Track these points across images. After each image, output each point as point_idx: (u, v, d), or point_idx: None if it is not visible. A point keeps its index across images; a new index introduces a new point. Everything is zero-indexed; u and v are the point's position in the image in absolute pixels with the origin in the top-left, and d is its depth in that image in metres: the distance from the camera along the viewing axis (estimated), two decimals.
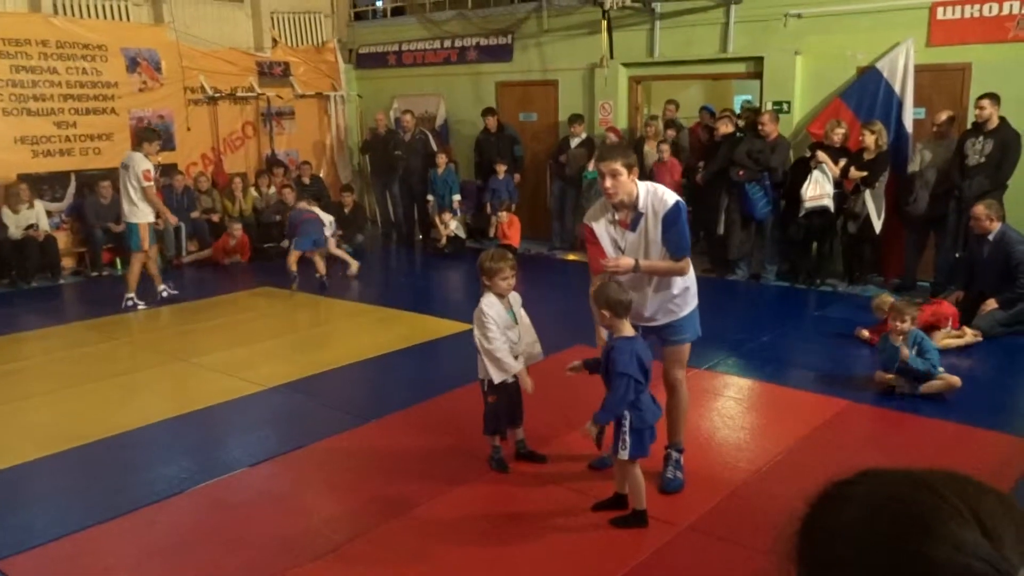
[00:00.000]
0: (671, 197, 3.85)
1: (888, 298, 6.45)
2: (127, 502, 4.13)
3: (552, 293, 8.75)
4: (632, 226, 3.88)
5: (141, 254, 8.24)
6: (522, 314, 4.40)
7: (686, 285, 4.06)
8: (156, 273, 8.54)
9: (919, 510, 0.74)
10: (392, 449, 4.76)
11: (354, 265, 9.58)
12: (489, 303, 4.21)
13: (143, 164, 8.00)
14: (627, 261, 3.79)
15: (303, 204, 9.75)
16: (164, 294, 8.53)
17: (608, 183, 3.78)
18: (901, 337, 5.37)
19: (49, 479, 4.53)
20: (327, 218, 9.53)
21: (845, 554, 0.75)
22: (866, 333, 6.60)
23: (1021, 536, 0.71)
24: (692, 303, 4.12)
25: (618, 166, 3.74)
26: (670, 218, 3.80)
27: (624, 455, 3.70)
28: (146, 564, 3.63)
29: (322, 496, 4.29)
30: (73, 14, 10.43)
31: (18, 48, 9.73)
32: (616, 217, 3.91)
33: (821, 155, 8.13)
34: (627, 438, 3.67)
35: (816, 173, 8.13)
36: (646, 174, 9.56)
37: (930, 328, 6.26)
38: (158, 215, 8.33)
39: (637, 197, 3.83)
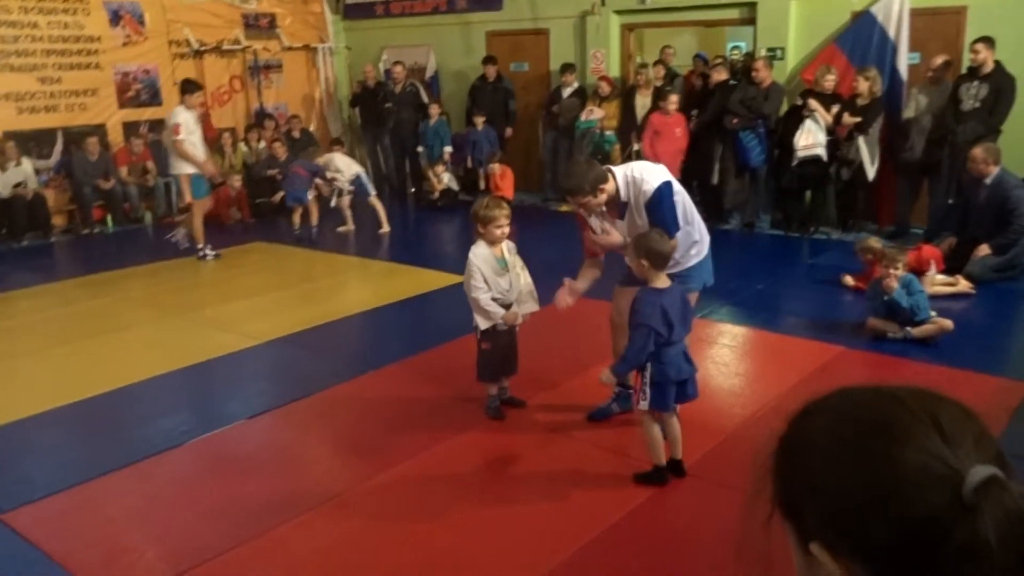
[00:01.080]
0: (653, 182, 3.87)
1: (874, 243, 6.46)
2: (126, 455, 4.15)
3: (545, 244, 8.72)
4: (620, 214, 4.00)
5: (197, 204, 8.29)
6: (518, 263, 4.39)
7: (693, 240, 4.08)
8: (197, 227, 8.43)
9: (883, 416, 0.79)
10: (389, 399, 4.79)
11: (385, 225, 9.46)
12: (476, 252, 4.22)
13: (175, 117, 8.03)
14: (616, 237, 3.96)
15: (324, 155, 9.76)
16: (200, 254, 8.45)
17: (582, 211, 3.99)
18: (896, 284, 5.40)
19: (47, 434, 4.54)
20: (351, 170, 9.35)
21: (814, 461, 0.80)
22: (851, 280, 6.64)
23: (978, 443, 0.75)
24: (699, 255, 4.15)
25: (583, 199, 3.87)
26: (652, 204, 3.86)
27: (644, 405, 3.69)
28: (147, 515, 3.66)
29: (321, 447, 4.33)
30: None
31: None
32: (604, 211, 4.02)
33: (813, 103, 8.07)
34: (647, 390, 3.65)
35: (808, 122, 8.08)
36: (637, 127, 9.48)
37: (916, 274, 6.28)
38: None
39: (617, 193, 3.92)
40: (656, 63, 10.03)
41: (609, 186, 3.89)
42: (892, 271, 5.41)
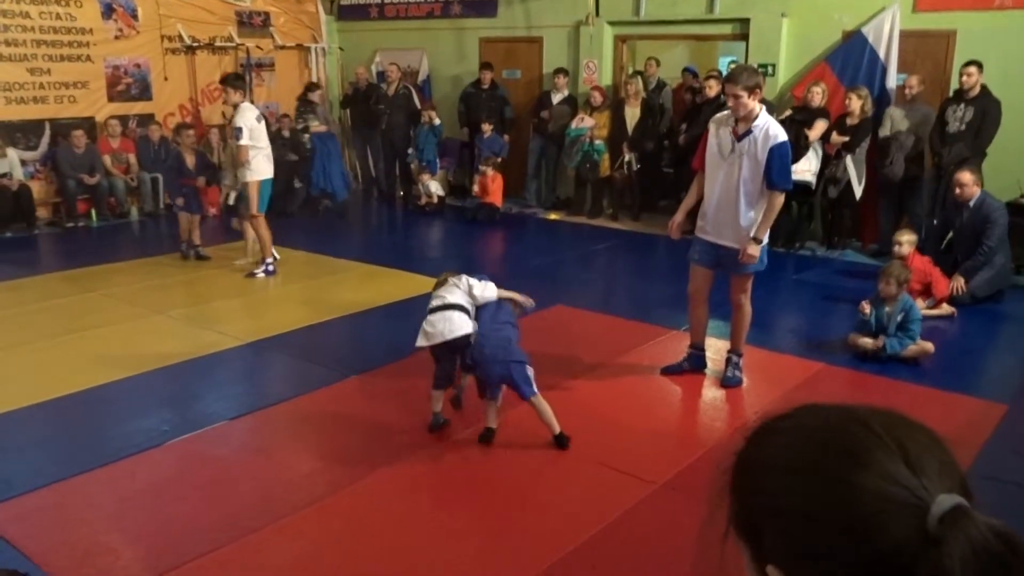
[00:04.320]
0: (783, 135, 4.53)
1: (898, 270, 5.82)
2: (105, 454, 4.13)
3: (532, 253, 8.76)
4: (739, 138, 4.56)
5: (262, 217, 7.48)
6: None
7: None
8: (265, 238, 7.56)
9: (846, 439, 0.76)
10: (373, 404, 4.78)
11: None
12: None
13: (242, 117, 7.13)
14: (754, 250, 4.71)
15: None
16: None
17: (731, 102, 4.53)
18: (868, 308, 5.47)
19: (25, 431, 4.50)
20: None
21: (774, 483, 0.78)
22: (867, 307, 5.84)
23: (943, 470, 0.74)
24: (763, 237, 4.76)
25: (739, 90, 4.44)
26: (779, 150, 4.50)
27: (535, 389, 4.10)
28: (126, 515, 3.64)
29: (302, 450, 4.31)
30: None
31: None
32: (734, 125, 4.59)
33: (813, 135, 8.07)
34: (531, 378, 4.14)
35: (809, 151, 8.12)
36: (628, 138, 9.54)
37: (923, 292, 6.36)
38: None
39: (756, 117, 4.53)
40: (632, 76, 10.01)
41: (757, 101, 4.50)
42: (884, 287, 5.46)
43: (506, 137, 10.85)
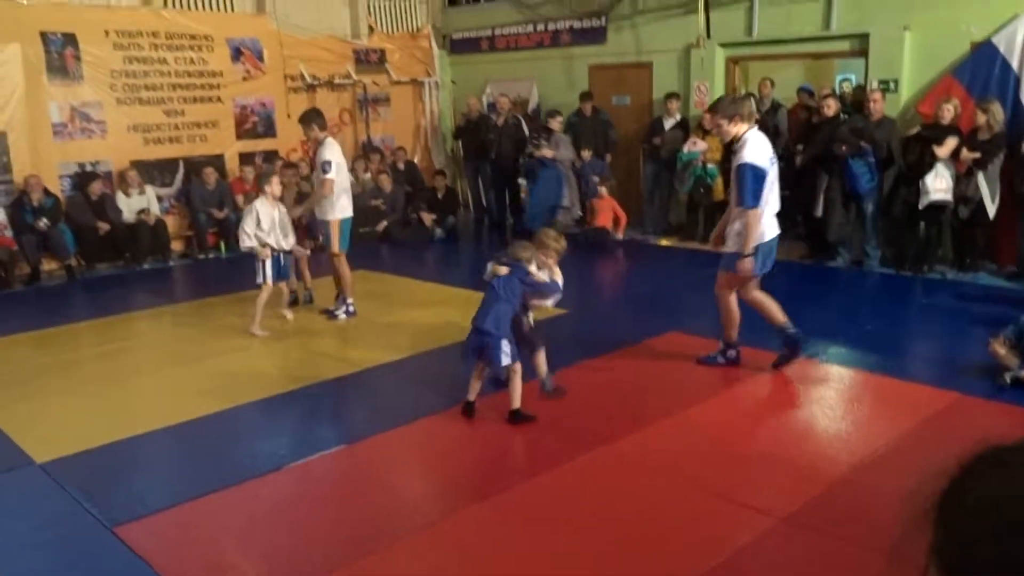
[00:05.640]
0: (749, 156, 4.98)
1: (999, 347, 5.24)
2: (231, 476, 4.30)
3: (642, 279, 8.66)
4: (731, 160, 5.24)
5: (343, 256, 7.22)
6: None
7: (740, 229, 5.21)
8: (347, 277, 7.23)
9: None
10: (486, 430, 4.80)
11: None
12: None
13: (323, 153, 6.93)
14: (749, 264, 5.14)
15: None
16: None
17: (715, 130, 5.25)
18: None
19: (159, 452, 4.75)
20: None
21: (999, 519, 0.68)
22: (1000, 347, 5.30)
23: None
24: (733, 244, 5.26)
25: (719, 119, 5.09)
26: (739, 171, 5.01)
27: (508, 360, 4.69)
28: (249, 535, 3.77)
29: (416, 475, 4.37)
30: (182, 7, 10.85)
31: (131, 40, 10.19)
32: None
33: (941, 152, 7.69)
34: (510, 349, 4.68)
35: (939, 166, 7.74)
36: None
37: None
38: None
39: (739, 140, 5.07)
40: (747, 96, 9.78)
41: (735, 128, 5.05)
42: None
43: (608, 157, 10.82)
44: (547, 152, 10.35)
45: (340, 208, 7.11)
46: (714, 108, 5.23)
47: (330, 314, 7.34)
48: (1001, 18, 8.00)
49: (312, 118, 7.18)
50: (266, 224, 6.86)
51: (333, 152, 6.96)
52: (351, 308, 7.35)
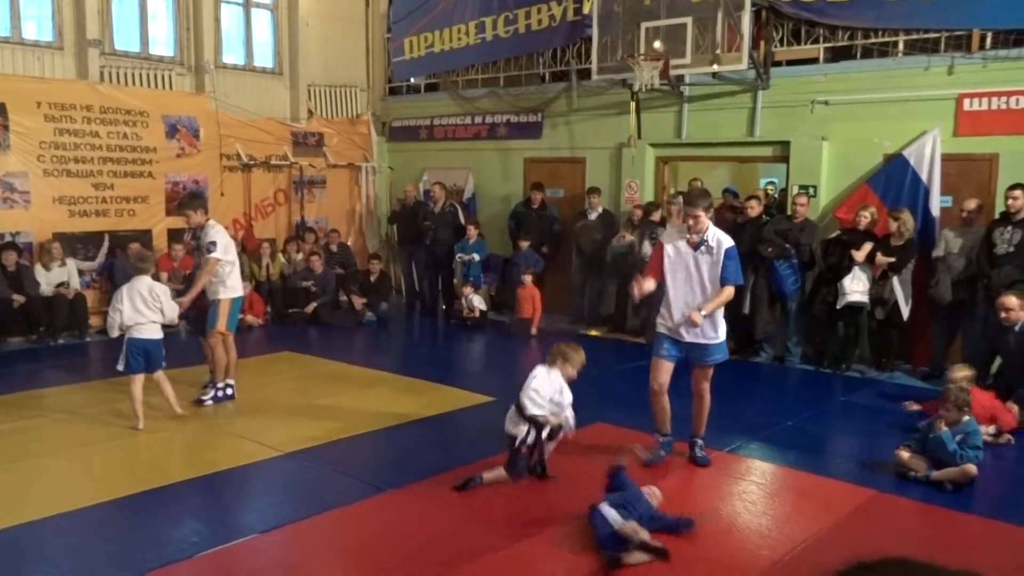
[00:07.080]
0: (730, 241, 5.36)
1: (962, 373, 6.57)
2: (133, 565, 4.06)
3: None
4: (696, 247, 5.35)
5: (230, 336, 7.13)
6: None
7: (723, 316, 5.45)
8: (221, 359, 7.06)
9: None
10: (412, 518, 4.67)
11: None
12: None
13: (214, 233, 6.90)
14: (699, 317, 5.23)
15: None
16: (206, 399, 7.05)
17: (691, 221, 5.29)
18: (943, 427, 5.32)
19: (60, 540, 4.47)
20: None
21: None
22: (915, 404, 6.96)
23: None
24: (723, 333, 5.48)
25: (698, 211, 5.27)
26: (730, 253, 5.30)
27: None
28: None
29: (333, 568, 4.20)
30: (119, 82, 10.80)
31: (63, 112, 10.07)
32: (688, 237, 5.37)
33: (858, 256, 8.07)
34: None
35: (856, 269, 8.10)
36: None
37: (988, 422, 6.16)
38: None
39: (706, 229, 5.34)
40: (674, 196, 10.13)
41: (709, 218, 5.37)
42: (944, 413, 5.35)
43: (544, 249, 11.00)
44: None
45: (231, 287, 7.00)
46: (691, 201, 5.34)
47: (199, 402, 6.99)
48: (911, 133, 8.53)
49: (186, 204, 7.11)
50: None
51: (218, 233, 6.91)
52: (229, 391, 7.11)
